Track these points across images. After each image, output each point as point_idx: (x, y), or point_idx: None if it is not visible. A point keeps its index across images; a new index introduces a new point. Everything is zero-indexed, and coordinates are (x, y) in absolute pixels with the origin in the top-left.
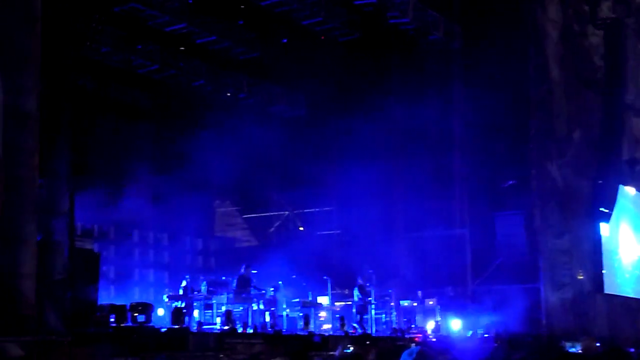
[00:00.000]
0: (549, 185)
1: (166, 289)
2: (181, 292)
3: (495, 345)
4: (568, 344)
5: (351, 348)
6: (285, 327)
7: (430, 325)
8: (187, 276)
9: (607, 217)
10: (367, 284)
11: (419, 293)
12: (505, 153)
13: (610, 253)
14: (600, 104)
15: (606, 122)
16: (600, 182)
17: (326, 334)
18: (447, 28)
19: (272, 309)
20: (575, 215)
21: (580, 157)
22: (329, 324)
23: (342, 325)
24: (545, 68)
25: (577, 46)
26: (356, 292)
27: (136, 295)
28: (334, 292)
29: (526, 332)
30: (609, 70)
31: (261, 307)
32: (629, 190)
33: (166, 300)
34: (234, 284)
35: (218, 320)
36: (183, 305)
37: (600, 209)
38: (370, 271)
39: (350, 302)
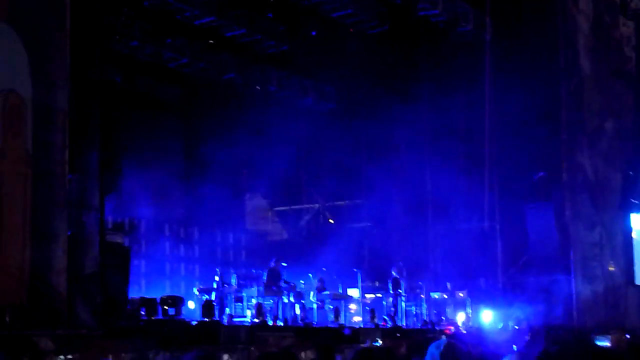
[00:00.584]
0: (579, 177)
1: (197, 282)
2: (215, 285)
3: (528, 337)
4: (598, 337)
5: (380, 341)
6: (315, 319)
7: (460, 318)
8: (218, 269)
9: (638, 209)
10: (398, 276)
11: (448, 285)
12: (536, 145)
13: None
14: (632, 95)
15: (637, 113)
16: (630, 173)
17: (356, 326)
18: (477, 20)
19: (303, 301)
20: (606, 207)
21: (612, 148)
22: (359, 316)
23: (373, 317)
24: (575, 60)
25: (608, 37)
26: (390, 285)
27: (167, 289)
28: (364, 284)
29: (558, 325)
30: None
31: (291, 300)
32: None
33: (197, 293)
34: (265, 277)
35: (248, 313)
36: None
37: (632, 200)
38: (401, 263)
39: (380, 295)
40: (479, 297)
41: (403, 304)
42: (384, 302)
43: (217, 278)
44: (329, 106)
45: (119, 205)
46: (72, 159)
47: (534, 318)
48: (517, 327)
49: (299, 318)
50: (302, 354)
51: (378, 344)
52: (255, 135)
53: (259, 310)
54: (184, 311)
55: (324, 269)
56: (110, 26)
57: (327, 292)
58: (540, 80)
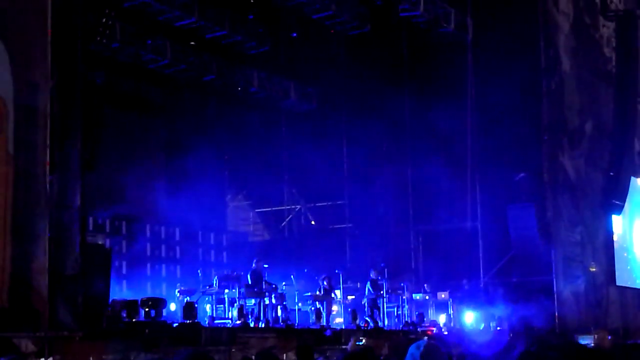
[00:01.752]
0: (561, 178)
1: (178, 284)
2: (216, 287)
3: (509, 338)
4: (580, 337)
5: (363, 340)
6: (297, 321)
7: (442, 319)
8: (199, 271)
9: (619, 209)
10: (379, 278)
11: (426, 286)
12: (517, 145)
13: (623, 244)
14: (612, 95)
15: (618, 113)
16: (611, 174)
17: (338, 327)
18: (458, 20)
19: (284, 303)
20: (587, 208)
21: (593, 149)
22: (340, 317)
23: (354, 318)
24: (556, 60)
25: (588, 38)
26: (368, 286)
27: (148, 290)
28: (346, 285)
29: (539, 325)
30: (621, 61)
31: (273, 301)
32: None
33: (178, 295)
34: (249, 279)
35: (230, 314)
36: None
37: (612, 201)
38: (382, 265)
39: (362, 296)
40: (460, 298)
41: (385, 305)
42: (364, 303)
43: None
44: (310, 107)
45: (100, 205)
46: (53, 159)
47: (515, 318)
48: (498, 328)
49: (281, 319)
50: (284, 356)
51: (362, 343)
52: (236, 136)
53: (241, 311)
54: (165, 313)
55: (305, 270)
56: (91, 28)
57: (308, 294)
58: (521, 81)
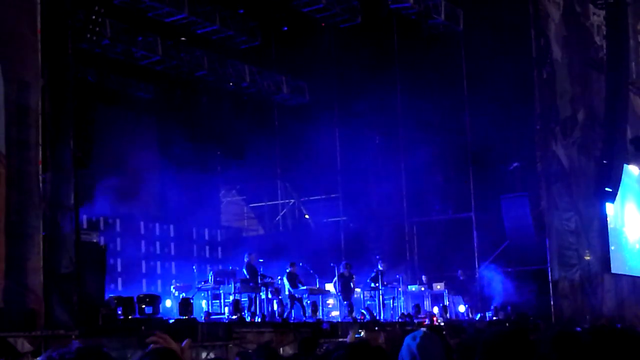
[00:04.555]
0: (554, 166)
1: (173, 280)
2: (211, 282)
3: (505, 328)
4: (577, 326)
5: (362, 333)
6: (293, 315)
7: (438, 310)
8: (194, 267)
9: (612, 197)
10: (375, 270)
11: (423, 277)
12: (510, 135)
13: (617, 232)
14: (604, 83)
15: (610, 101)
16: (605, 162)
17: (335, 320)
18: (448, 11)
19: (280, 297)
20: (581, 196)
21: (585, 137)
22: (337, 310)
23: (351, 311)
24: (547, 49)
25: (579, 26)
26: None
27: (143, 287)
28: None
29: (535, 315)
30: (611, 49)
31: (269, 295)
32: (632, 170)
33: (174, 291)
34: (245, 272)
35: (226, 310)
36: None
37: (606, 188)
38: (378, 257)
39: (358, 289)
40: (456, 289)
41: (381, 297)
42: (361, 297)
43: (210, 274)
44: (303, 100)
45: (93, 204)
46: (45, 157)
47: (510, 309)
48: (494, 318)
49: (277, 314)
50: (281, 350)
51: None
52: (229, 131)
53: (236, 306)
54: (161, 309)
55: (300, 264)
56: (81, 25)
57: (304, 288)
58: (513, 70)
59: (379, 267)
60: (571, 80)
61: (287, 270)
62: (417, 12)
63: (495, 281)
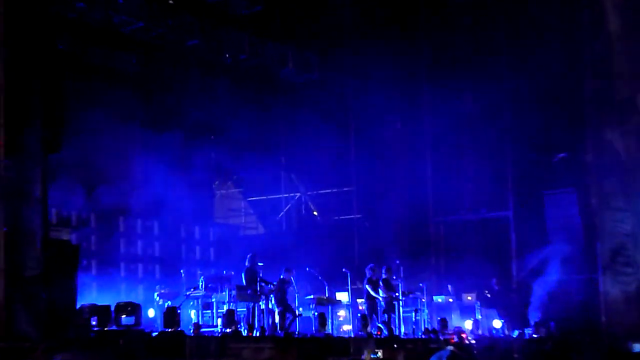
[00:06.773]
0: (608, 158)
1: (157, 286)
2: (202, 289)
3: (547, 347)
4: (635, 345)
5: (379, 353)
6: (298, 328)
7: (468, 325)
8: (182, 270)
9: None
10: (394, 277)
11: (450, 287)
12: (556, 121)
13: None
14: None
15: None
16: None
17: (346, 336)
18: None
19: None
20: (639, 193)
21: None
22: (349, 324)
23: (365, 325)
24: (601, 19)
25: None
26: (367, 287)
27: (122, 294)
28: (355, 287)
29: (584, 331)
30: None
31: (270, 306)
32: None
33: (157, 299)
34: (243, 279)
35: (219, 321)
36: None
37: None
38: (397, 262)
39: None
40: (489, 301)
41: (401, 310)
42: (377, 308)
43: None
44: (311, 76)
45: (64, 195)
46: (9, 141)
47: (553, 325)
48: (534, 336)
49: (278, 327)
50: None
51: (377, 356)
52: (224, 111)
53: (231, 318)
54: (143, 320)
55: (307, 269)
56: None
57: (311, 297)
58: (561, 45)
59: (383, 274)
60: (629, 56)
61: (281, 277)
62: None
63: (535, 292)
